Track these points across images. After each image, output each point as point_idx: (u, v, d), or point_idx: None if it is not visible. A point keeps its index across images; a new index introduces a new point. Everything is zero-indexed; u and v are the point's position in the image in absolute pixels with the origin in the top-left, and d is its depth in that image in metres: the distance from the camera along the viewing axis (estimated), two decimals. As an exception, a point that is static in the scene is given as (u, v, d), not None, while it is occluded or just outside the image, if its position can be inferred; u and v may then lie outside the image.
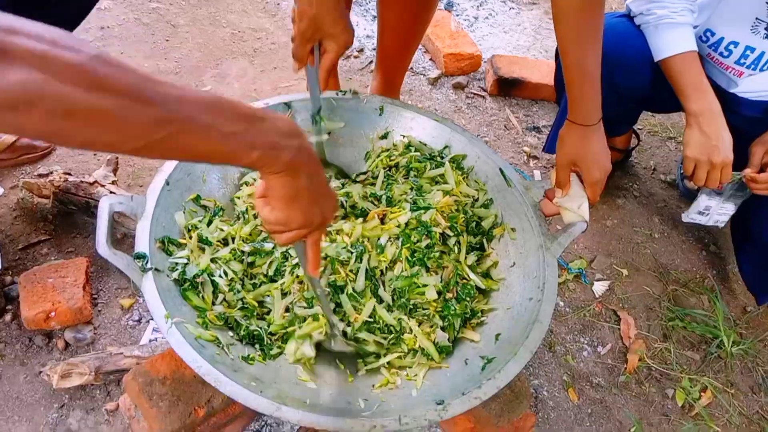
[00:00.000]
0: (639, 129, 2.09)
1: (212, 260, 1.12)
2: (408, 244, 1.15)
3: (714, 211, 1.50)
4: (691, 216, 1.54)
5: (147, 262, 1.02)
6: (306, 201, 0.73)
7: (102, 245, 1.00)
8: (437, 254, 1.17)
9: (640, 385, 1.49)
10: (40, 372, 1.22)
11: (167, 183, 1.14)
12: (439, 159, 1.34)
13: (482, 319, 1.17)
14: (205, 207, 1.21)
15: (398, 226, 1.17)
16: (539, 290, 1.13)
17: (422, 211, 1.19)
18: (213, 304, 1.08)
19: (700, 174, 1.35)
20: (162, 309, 0.98)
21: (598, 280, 1.69)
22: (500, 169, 1.29)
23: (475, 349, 1.12)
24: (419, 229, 1.17)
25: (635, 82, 1.49)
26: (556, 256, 1.17)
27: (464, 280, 1.19)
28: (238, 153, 0.63)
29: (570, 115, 1.15)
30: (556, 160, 1.18)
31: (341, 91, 1.35)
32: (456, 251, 1.21)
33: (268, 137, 0.65)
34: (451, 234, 1.22)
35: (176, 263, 1.09)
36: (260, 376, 1.00)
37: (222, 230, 1.17)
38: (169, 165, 1.16)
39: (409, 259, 1.14)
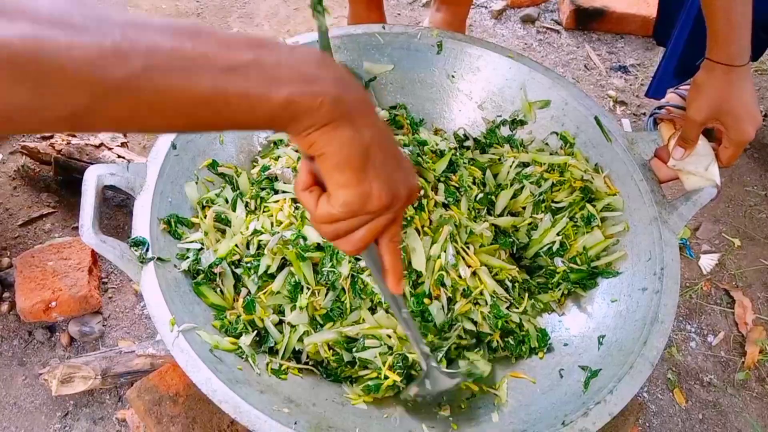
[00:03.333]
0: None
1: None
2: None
3: None
4: None
5: (147, 250, 0.80)
6: (381, 162, 0.46)
7: (87, 230, 0.78)
8: None
9: (761, 383, 1.21)
10: (40, 374, 1.03)
11: (174, 146, 0.90)
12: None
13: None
14: (223, 175, 0.96)
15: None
16: (656, 278, 0.88)
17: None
18: (234, 300, 0.85)
19: None
20: (166, 313, 0.75)
21: (704, 252, 1.39)
22: (595, 118, 1.02)
23: (572, 356, 0.87)
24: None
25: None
26: (677, 233, 0.92)
27: None
28: (252, 95, 0.38)
29: (711, 52, 0.88)
30: (688, 112, 0.91)
31: (387, 25, 1.09)
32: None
33: (294, 67, 0.40)
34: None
35: (187, 249, 0.86)
36: (295, 397, 0.77)
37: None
38: (176, 123, 0.91)
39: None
